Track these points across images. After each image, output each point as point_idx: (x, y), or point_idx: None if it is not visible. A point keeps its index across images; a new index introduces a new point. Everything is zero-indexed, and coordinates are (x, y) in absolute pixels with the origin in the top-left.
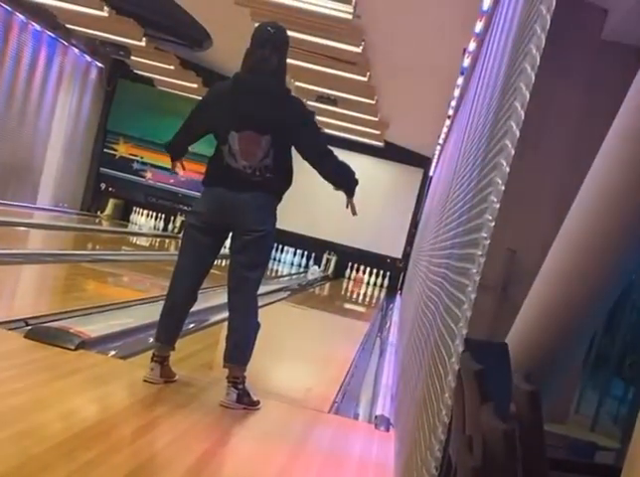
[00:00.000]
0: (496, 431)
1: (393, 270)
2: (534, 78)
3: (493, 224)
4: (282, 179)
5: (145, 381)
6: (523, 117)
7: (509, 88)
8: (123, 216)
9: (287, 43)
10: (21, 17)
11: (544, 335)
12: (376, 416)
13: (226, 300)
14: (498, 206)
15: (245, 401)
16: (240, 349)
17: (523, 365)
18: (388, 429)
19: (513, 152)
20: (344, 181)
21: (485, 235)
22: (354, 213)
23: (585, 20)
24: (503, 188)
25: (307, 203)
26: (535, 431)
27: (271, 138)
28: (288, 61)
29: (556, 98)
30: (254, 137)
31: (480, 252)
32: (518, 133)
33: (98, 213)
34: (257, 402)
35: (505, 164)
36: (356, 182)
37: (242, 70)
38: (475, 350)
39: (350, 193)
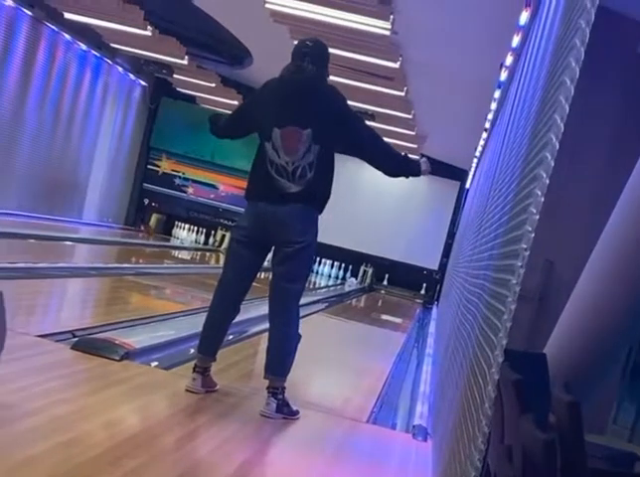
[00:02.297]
0: (536, 441)
1: (429, 282)
2: (573, 90)
3: (533, 235)
4: (323, 183)
5: (187, 390)
6: (562, 130)
7: (548, 101)
8: (166, 230)
9: (326, 56)
10: (67, 37)
11: (582, 346)
12: (413, 426)
13: (265, 311)
14: (537, 217)
15: (285, 411)
16: (280, 361)
17: (561, 375)
18: (425, 439)
19: (553, 164)
20: (406, 171)
21: (525, 246)
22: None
23: (621, 33)
24: (542, 199)
25: (345, 216)
26: (575, 442)
27: (312, 132)
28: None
29: (592, 111)
30: (296, 132)
31: (520, 263)
32: (557, 145)
33: (142, 227)
34: (297, 412)
35: (545, 176)
36: (412, 163)
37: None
38: (514, 360)
39: (416, 175)
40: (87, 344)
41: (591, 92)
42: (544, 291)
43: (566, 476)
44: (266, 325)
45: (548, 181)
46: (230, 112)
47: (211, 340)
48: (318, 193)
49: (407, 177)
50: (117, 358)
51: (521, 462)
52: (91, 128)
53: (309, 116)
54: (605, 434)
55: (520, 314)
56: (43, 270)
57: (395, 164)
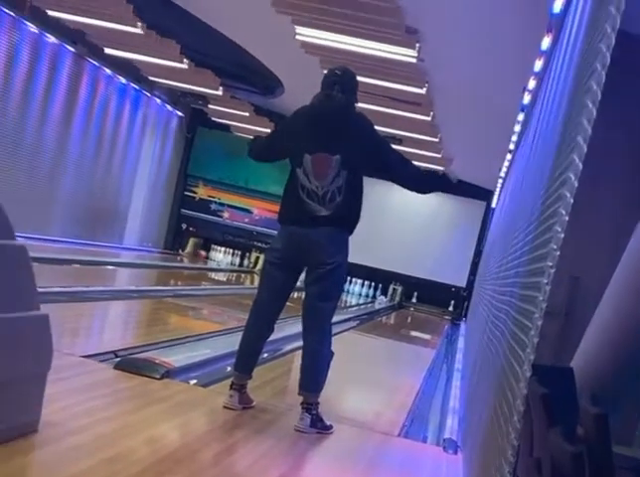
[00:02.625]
0: (564, 453)
1: (457, 299)
2: (595, 113)
3: (558, 253)
4: (352, 205)
5: (225, 407)
6: (585, 151)
7: (571, 124)
8: (197, 251)
9: (355, 84)
10: (107, 71)
11: (608, 359)
12: (444, 440)
13: (299, 330)
14: (562, 235)
15: (319, 426)
16: (313, 377)
17: (588, 388)
18: (456, 452)
19: (576, 184)
20: (433, 188)
21: (550, 263)
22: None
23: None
24: (567, 218)
25: (374, 236)
26: (603, 453)
27: (341, 158)
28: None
29: (614, 132)
30: (325, 158)
31: (546, 281)
32: (581, 166)
33: (180, 251)
34: (330, 427)
35: (569, 195)
36: (437, 179)
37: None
38: (541, 374)
39: (443, 189)
40: (129, 363)
41: (613, 113)
42: (569, 306)
43: None
44: (300, 343)
45: (572, 200)
46: None
47: (247, 358)
48: (347, 215)
49: (436, 191)
50: (158, 376)
51: (550, 474)
52: (132, 157)
53: (338, 143)
54: (633, 446)
55: (546, 329)
56: (86, 294)
57: (422, 184)
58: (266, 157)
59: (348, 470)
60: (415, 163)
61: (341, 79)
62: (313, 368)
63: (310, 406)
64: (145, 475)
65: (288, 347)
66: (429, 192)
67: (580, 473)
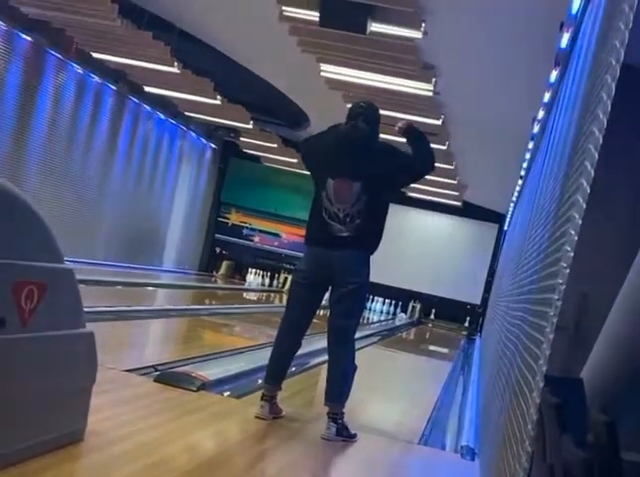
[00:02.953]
0: (576, 459)
1: (472, 315)
2: (602, 139)
3: (568, 271)
4: (372, 227)
5: (257, 417)
6: (593, 175)
7: (578, 150)
8: (235, 274)
9: (378, 116)
10: (147, 108)
11: (616, 371)
12: (461, 447)
13: (324, 345)
14: (572, 254)
15: (344, 435)
16: (338, 389)
17: (597, 398)
18: (473, 459)
19: (584, 206)
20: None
21: (561, 281)
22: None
23: None
24: (576, 238)
25: (394, 257)
26: (612, 459)
27: (362, 185)
28: None
29: (622, 156)
30: (347, 184)
31: (557, 297)
32: (589, 189)
33: (214, 272)
34: (355, 435)
35: (577, 217)
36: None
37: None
38: (553, 385)
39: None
40: (168, 377)
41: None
42: (579, 321)
43: None
44: (325, 357)
45: (580, 221)
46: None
47: (276, 371)
48: (367, 237)
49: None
50: (194, 389)
51: None
52: (169, 186)
53: (360, 170)
54: None
55: (557, 342)
56: (128, 313)
57: (429, 159)
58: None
59: (371, 476)
60: (432, 189)
61: (365, 111)
62: (338, 380)
63: (336, 416)
64: None
65: (315, 361)
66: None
67: None
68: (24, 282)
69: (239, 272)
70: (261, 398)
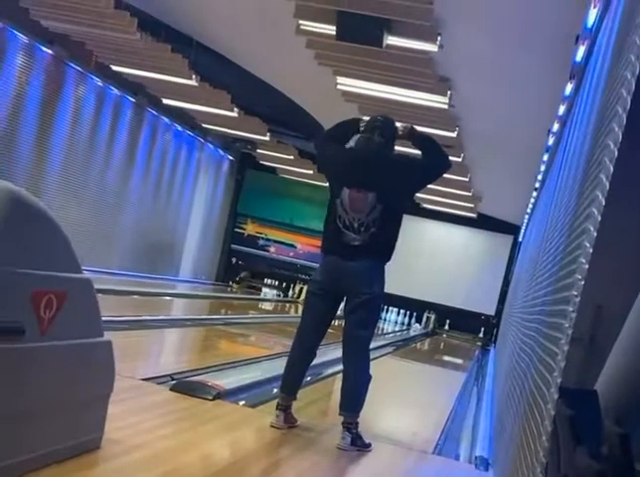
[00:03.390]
0: (590, 471)
1: (486, 326)
2: (617, 152)
3: (583, 283)
4: (386, 236)
5: (272, 426)
6: (607, 188)
7: (593, 163)
8: (251, 285)
9: (394, 130)
10: (166, 120)
11: (630, 383)
12: (475, 457)
13: (339, 355)
14: (587, 266)
15: (359, 444)
16: (353, 399)
17: (612, 410)
18: (487, 469)
19: (599, 218)
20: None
21: (575, 292)
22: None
23: None
24: (591, 250)
25: (409, 268)
26: (626, 470)
27: (377, 195)
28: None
29: (634, 168)
30: (362, 194)
31: (572, 308)
32: (604, 201)
33: (230, 283)
34: (369, 445)
35: (592, 229)
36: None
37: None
38: (567, 397)
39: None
40: (184, 386)
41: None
42: (593, 333)
43: None
44: (340, 367)
45: (595, 234)
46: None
47: (291, 381)
48: (381, 245)
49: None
50: (210, 398)
51: None
52: (187, 197)
53: (375, 181)
54: None
55: (571, 354)
56: (145, 322)
57: (440, 155)
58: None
59: None
60: (447, 201)
61: (382, 124)
62: (353, 390)
63: (350, 426)
64: None
65: (330, 370)
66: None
67: None
68: (43, 291)
69: (252, 283)
70: (277, 408)
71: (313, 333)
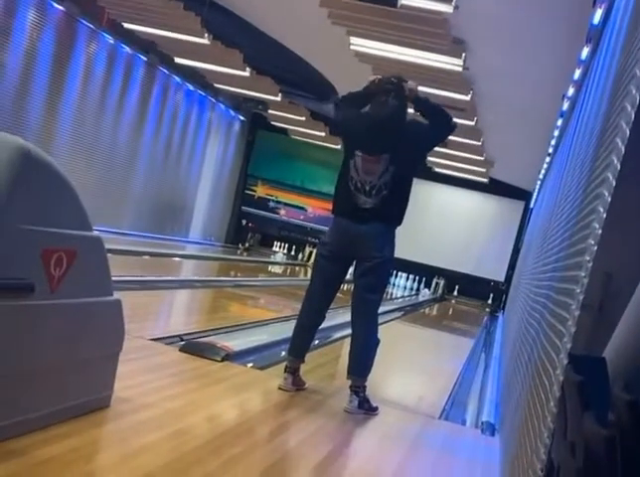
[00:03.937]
0: (598, 437)
1: (496, 292)
2: (634, 115)
3: (595, 248)
4: (397, 199)
5: (280, 388)
6: (623, 152)
7: (609, 126)
8: (260, 247)
9: (407, 96)
10: (177, 79)
11: (638, 353)
12: (482, 422)
13: (347, 318)
14: (600, 232)
15: (366, 407)
16: (361, 363)
17: (620, 378)
18: (493, 434)
19: (614, 183)
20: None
21: (588, 258)
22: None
23: None
24: (605, 215)
25: (419, 233)
26: (635, 437)
27: (390, 157)
28: None
29: None
30: (375, 157)
31: (584, 274)
32: (619, 166)
33: (240, 245)
34: (376, 408)
35: (607, 194)
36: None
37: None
38: (576, 363)
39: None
40: (193, 347)
41: None
42: (602, 300)
43: (626, 468)
44: (348, 331)
45: (609, 199)
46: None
47: (300, 344)
48: (392, 208)
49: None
50: (219, 359)
51: (583, 456)
52: (197, 158)
53: (389, 144)
54: None
55: (579, 320)
56: (155, 283)
57: (445, 120)
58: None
59: (392, 449)
60: (460, 165)
61: (396, 86)
62: (361, 354)
63: (358, 389)
64: (206, 448)
65: (338, 334)
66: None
67: (613, 455)
68: (53, 249)
69: (262, 245)
70: (285, 370)
71: (322, 296)
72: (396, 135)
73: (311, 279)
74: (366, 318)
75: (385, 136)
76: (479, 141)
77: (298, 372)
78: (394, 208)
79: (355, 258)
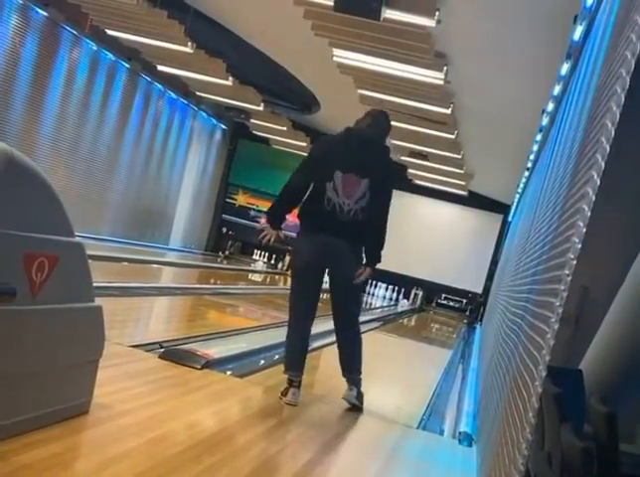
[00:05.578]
0: (575, 448)
1: (473, 303)
2: (614, 132)
3: (575, 262)
4: (375, 223)
5: (287, 404)
6: (603, 168)
7: (589, 142)
8: (243, 255)
9: (389, 127)
10: (159, 86)
11: (614, 365)
12: (459, 433)
13: (325, 328)
14: (580, 246)
15: (361, 401)
16: (356, 360)
17: (596, 390)
18: (470, 445)
19: (594, 198)
20: (378, 254)
21: (567, 272)
22: (360, 280)
23: None
24: (585, 230)
25: (398, 244)
26: (610, 449)
27: (369, 182)
28: None
29: (629, 148)
30: (356, 179)
31: (563, 287)
32: (599, 181)
33: (220, 253)
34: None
35: (587, 209)
36: (379, 251)
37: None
38: (553, 375)
39: (374, 265)
40: (173, 354)
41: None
42: (579, 313)
43: None
44: (326, 340)
45: (589, 213)
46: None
47: (299, 357)
48: (367, 231)
49: (369, 254)
50: (198, 366)
51: (560, 467)
52: (179, 165)
53: (369, 169)
54: (635, 443)
55: (557, 334)
56: (135, 289)
57: (374, 240)
58: (306, 184)
59: (370, 458)
60: (439, 178)
61: (381, 117)
62: (354, 353)
63: (360, 381)
64: (185, 455)
65: (315, 344)
66: (370, 255)
67: (589, 466)
68: (35, 254)
69: (242, 253)
70: (291, 385)
71: (310, 308)
72: (376, 161)
73: (295, 294)
74: (351, 325)
75: (366, 159)
76: (459, 154)
77: (301, 384)
78: (368, 230)
79: (329, 268)
